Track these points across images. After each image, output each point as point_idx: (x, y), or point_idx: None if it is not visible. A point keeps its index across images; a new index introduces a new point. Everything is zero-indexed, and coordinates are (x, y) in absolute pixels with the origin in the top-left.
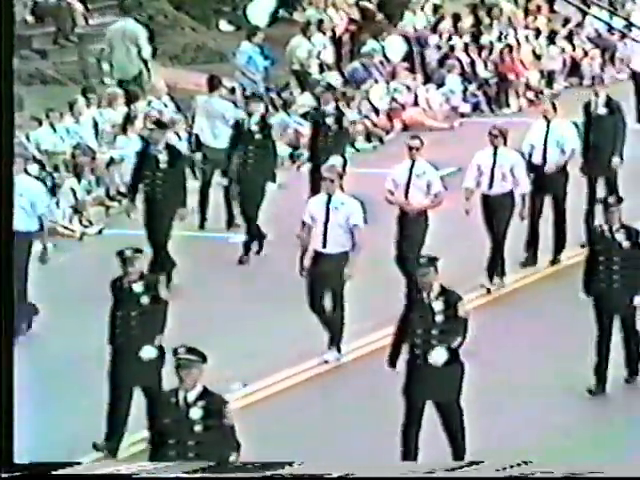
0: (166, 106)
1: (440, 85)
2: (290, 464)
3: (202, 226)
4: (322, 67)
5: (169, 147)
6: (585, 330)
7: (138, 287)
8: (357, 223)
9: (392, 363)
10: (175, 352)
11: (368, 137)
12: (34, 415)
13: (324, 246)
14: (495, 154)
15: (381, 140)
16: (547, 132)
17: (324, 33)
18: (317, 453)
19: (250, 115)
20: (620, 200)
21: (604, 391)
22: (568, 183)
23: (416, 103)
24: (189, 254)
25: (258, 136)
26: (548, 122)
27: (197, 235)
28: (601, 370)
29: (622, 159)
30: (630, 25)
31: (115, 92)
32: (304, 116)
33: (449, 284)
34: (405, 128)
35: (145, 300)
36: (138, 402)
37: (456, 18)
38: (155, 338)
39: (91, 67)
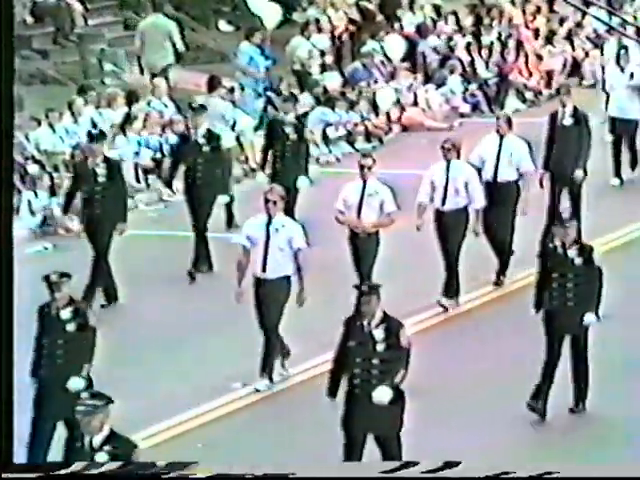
0: (166, 106)
1: (440, 85)
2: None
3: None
4: (323, 67)
5: (107, 160)
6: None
7: (65, 314)
8: (301, 246)
9: (332, 393)
10: (78, 397)
11: (368, 137)
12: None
13: (264, 270)
14: (448, 168)
15: (381, 140)
16: (500, 148)
17: (322, 32)
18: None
19: (196, 127)
20: (575, 215)
21: (544, 414)
22: (519, 200)
23: (415, 103)
24: (189, 254)
25: (206, 148)
26: (501, 137)
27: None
28: (543, 391)
29: (585, 172)
30: (629, 25)
31: (115, 92)
32: (303, 116)
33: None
34: (404, 128)
35: (71, 327)
36: (138, 404)
37: (454, 16)
38: (83, 367)
39: (91, 67)
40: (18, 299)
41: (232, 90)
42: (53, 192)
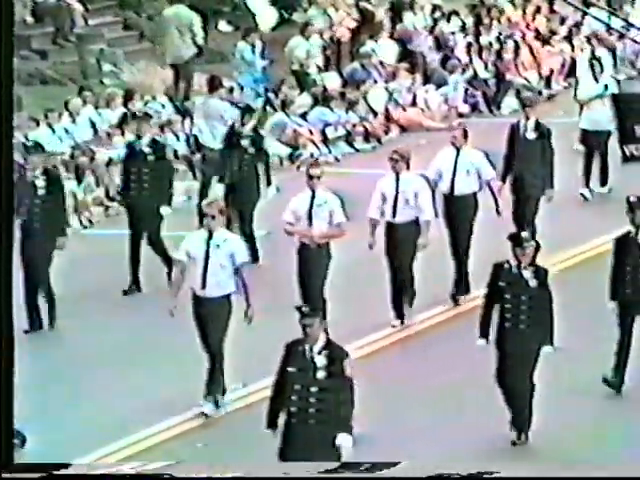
0: (163, 107)
1: (440, 85)
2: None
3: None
4: (321, 67)
5: (47, 172)
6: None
7: None
8: (244, 261)
9: (272, 424)
10: None
11: (367, 138)
12: (34, 415)
13: (203, 287)
14: (397, 180)
15: (379, 141)
16: (456, 160)
17: (321, 34)
18: None
19: (140, 137)
20: (533, 236)
21: (527, 439)
22: (477, 213)
23: (415, 103)
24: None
25: (151, 157)
26: (457, 149)
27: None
28: (518, 421)
29: (553, 186)
30: (629, 25)
31: (114, 92)
32: (303, 116)
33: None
34: (403, 129)
35: None
36: (134, 404)
37: (454, 14)
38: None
39: (90, 67)
40: (18, 299)
41: (231, 90)
42: None
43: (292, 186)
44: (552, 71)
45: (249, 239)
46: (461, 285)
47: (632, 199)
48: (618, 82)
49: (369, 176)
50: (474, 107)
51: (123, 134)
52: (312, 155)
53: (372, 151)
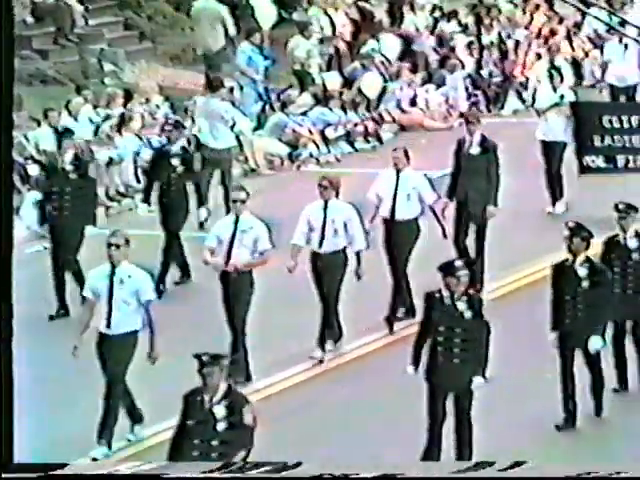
0: (158, 107)
1: (440, 85)
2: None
3: (202, 226)
4: (323, 67)
5: None
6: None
7: None
8: (150, 298)
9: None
10: None
11: (367, 138)
12: (34, 415)
13: (108, 326)
14: (326, 208)
15: (380, 140)
16: (397, 183)
17: (322, 32)
18: None
19: (63, 154)
20: (469, 263)
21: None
22: (418, 238)
23: (415, 103)
24: (189, 254)
25: (73, 175)
26: (398, 172)
27: (197, 235)
28: (434, 453)
29: (496, 205)
30: (627, 24)
31: (114, 92)
32: (303, 115)
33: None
34: (403, 129)
35: None
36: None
37: (454, 15)
38: None
39: (91, 67)
40: (17, 299)
41: (232, 90)
42: None
43: (292, 186)
44: None
45: (182, 262)
46: (397, 310)
47: (570, 224)
48: (575, 92)
49: (369, 176)
50: (475, 106)
51: (121, 134)
52: (312, 155)
53: (372, 151)
